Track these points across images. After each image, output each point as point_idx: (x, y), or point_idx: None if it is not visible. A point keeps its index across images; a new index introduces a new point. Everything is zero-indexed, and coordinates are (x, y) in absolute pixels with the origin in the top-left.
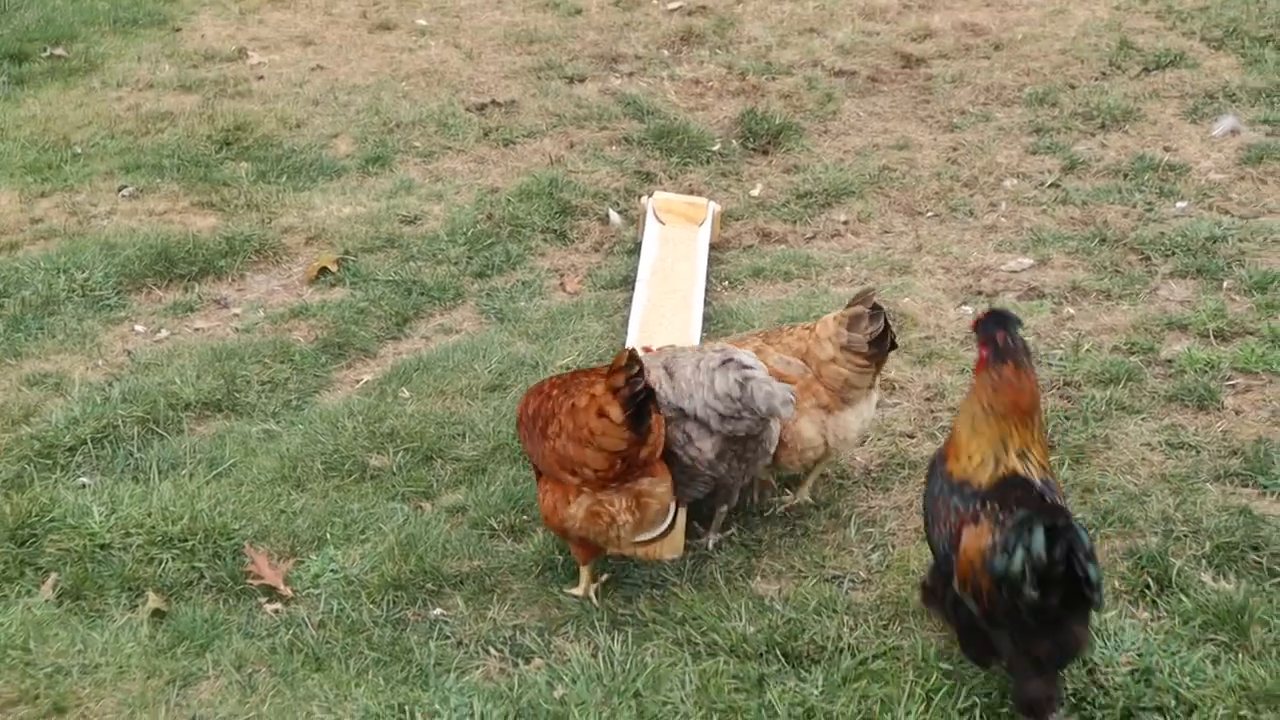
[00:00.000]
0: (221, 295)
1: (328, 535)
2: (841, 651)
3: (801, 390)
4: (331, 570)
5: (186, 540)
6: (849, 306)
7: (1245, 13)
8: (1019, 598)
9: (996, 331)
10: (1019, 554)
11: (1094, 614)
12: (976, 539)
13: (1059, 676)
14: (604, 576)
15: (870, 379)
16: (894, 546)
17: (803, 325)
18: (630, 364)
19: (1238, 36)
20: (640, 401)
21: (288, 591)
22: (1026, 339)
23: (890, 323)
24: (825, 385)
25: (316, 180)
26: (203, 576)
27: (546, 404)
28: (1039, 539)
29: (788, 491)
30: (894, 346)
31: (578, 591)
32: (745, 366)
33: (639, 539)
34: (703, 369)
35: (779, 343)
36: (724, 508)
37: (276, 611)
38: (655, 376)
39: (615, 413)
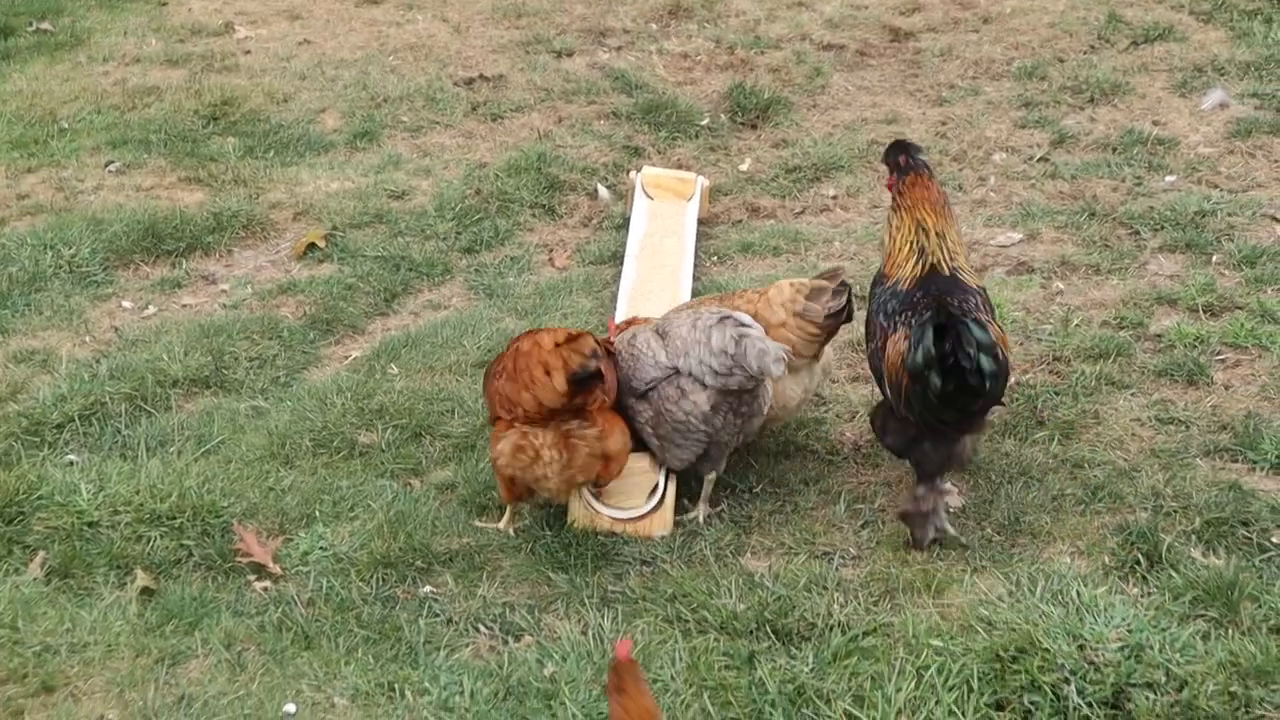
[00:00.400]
0: (209, 271)
1: (316, 512)
2: (832, 628)
3: None
4: (320, 548)
5: (175, 518)
6: (815, 278)
7: None
8: (929, 388)
9: (899, 156)
10: (920, 349)
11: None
12: (896, 346)
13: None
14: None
15: (816, 349)
16: (883, 523)
17: (754, 289)
18: (588, 356)
19: (1226, 9)
20: (585, 379)
21: (277, 569)
22: (928, 159)
23: (853, 300)
24: None
25: (304, 155)
26: (191, 554)
27: (506, 350)
28: (929, 335)
29: (685, 501)
30: (849, 319)
31: (497, 525)
32: (741, 324)
33: (570, 481)
34: (699, 327)
35: (730, 304)
36: (712, 474)
37: (265, 589)
38: (644, 340)
39: (559, 380)
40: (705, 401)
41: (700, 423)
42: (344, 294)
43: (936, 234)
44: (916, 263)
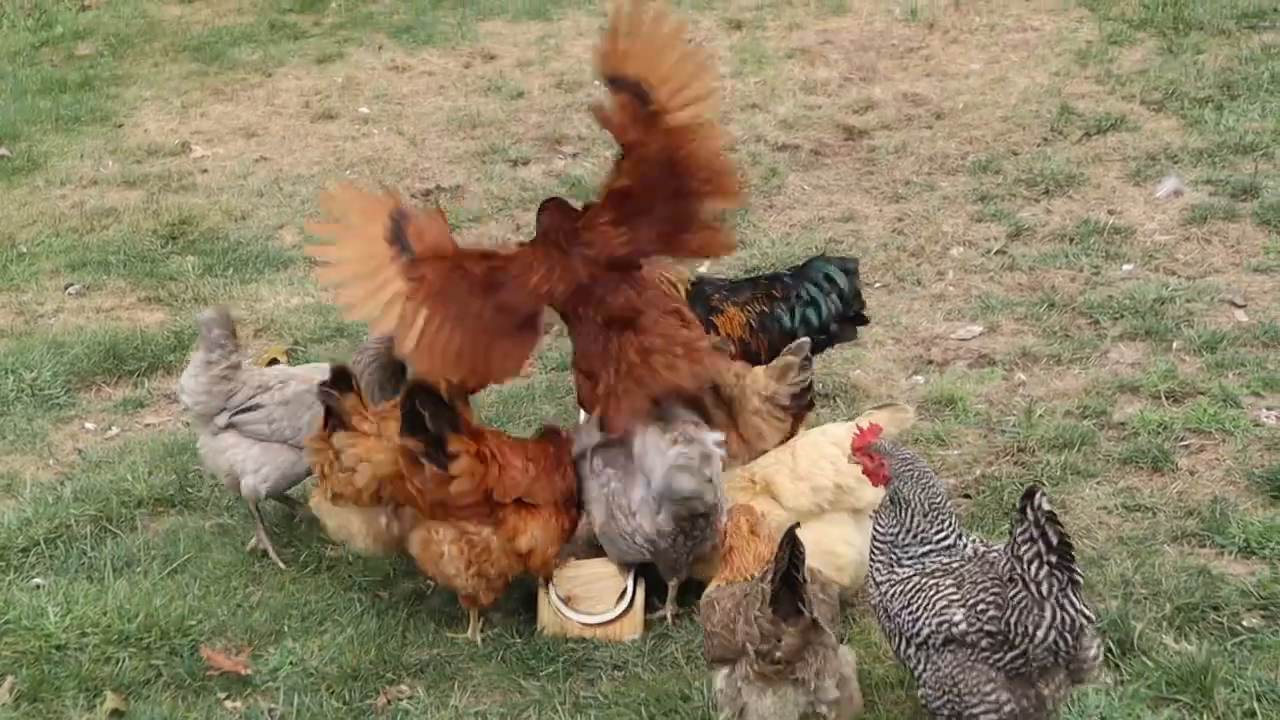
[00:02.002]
0: (171, 390)
1: (285, 628)
2: None
3: None
4: (291, 663)
5: (143, 638)
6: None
7: (1184, 74)
8: None
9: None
10: None
11: None
12: None
13: None
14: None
15: (784, 435)
16: (855, 619)
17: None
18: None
19: (1177, 98)
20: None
21: (250, 670)
22: None
23: (813, 382)
24: (742, 435)
25: (263, 272)
26: (160, 674)
27: None
28: None
29: (655, 600)
30: (811, 406)
31: (466, 634)
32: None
33: (484, 581)
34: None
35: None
36: (674, 581)
37: (235, 708)
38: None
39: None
40: (651, 526)
41: (644, 542)
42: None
43: None
44: None
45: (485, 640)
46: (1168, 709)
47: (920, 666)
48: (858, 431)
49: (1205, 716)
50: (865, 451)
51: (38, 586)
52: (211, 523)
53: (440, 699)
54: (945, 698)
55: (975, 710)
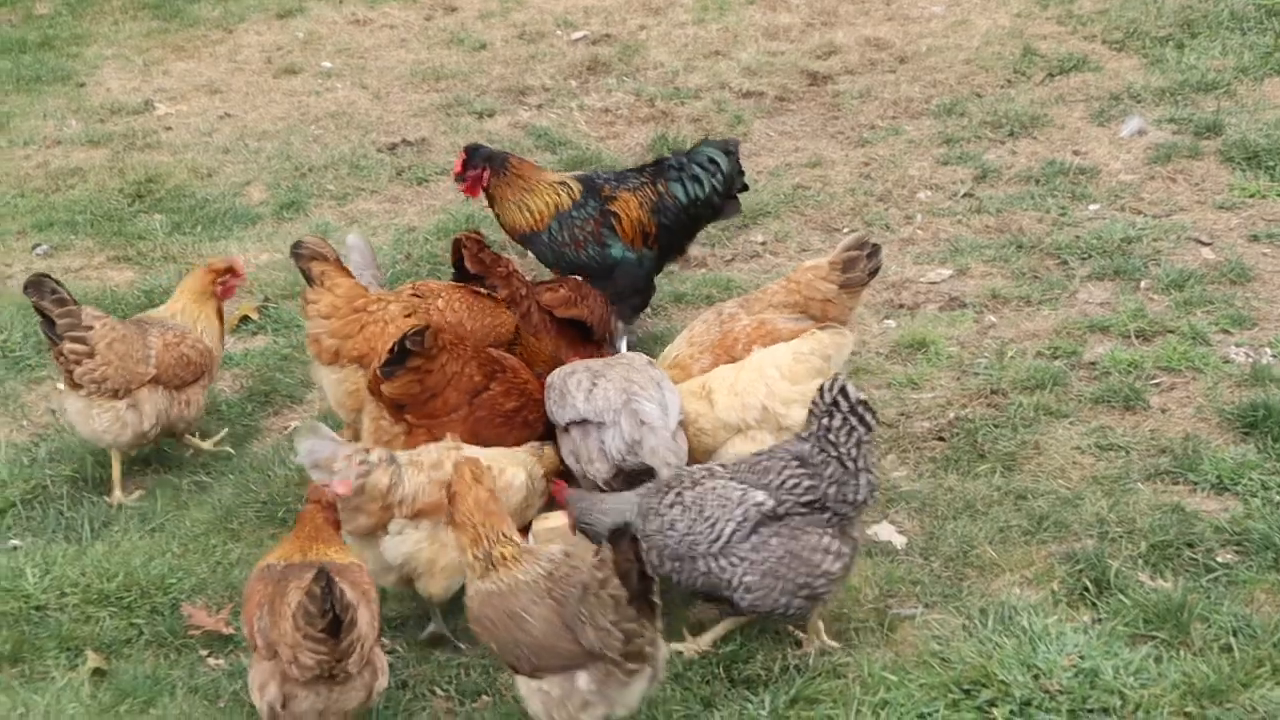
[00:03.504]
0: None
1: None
2: (786, 671)
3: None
4: None
5: (123, 597)
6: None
7: (1144, 13)
8: None
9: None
10: None
11: None
12: None
13: None
14: None
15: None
16: None
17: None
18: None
19: (1138, 37)
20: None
21: (231, 628)
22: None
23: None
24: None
25: (232, 229)
26: (141, 633)
27: None
28: None
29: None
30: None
31: None
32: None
33: None
34: (612, 402)
35: (765, 306)
36: None
37: (218, 665)
38: (577, 380)
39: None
40: (606, 472)
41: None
42: (280, 365)
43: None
44: None
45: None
46: (1145, 645)
47: (732, 569)
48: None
49: (1182, 652)
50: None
51: (15, 548)
52: (188, 480)
53: (422, 652)
54: (791, 571)
55: (825, 565)
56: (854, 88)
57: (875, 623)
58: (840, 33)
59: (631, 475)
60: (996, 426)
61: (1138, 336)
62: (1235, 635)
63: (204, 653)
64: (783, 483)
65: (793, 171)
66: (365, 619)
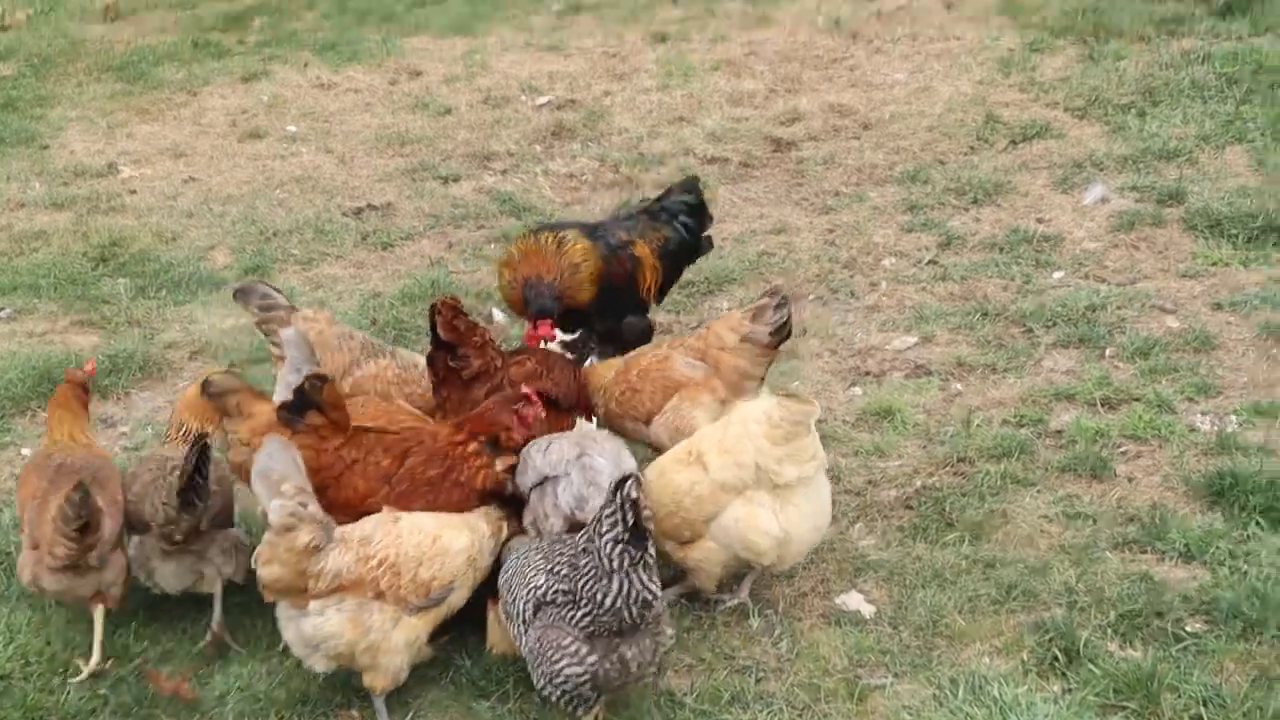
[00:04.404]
0: (108, 414)
1: (232, 652)
2: None
3: (698, 386)
4: (238, 688)
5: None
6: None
7: (1106, 81)
8: None
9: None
10: None
11: None
12: None
13: None
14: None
15: (764, 370)
16: (802, 634)
17: (697, 335)
18: None
19: (1100, 105)
20: None
21: (196, 692)
22: None
23: (791, 313)
24: (722, 379)
25: (196, 293)
26: (107, 702)
27: None
28: None
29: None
30: (788, 335)
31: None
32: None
33: None
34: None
35: (681, 346)
36: None
37: None
38: (539, 444)
39: None
40: (560, 526)
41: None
42: None
43: None
44: None
45: (436, 660)
46: (1116, 715)
47: (523, 642)
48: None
49: None
50: None
51: None
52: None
53: None
54: (538, 661)
55: (559, 665)
56: (818, 154)
57: (845, 692)
58: (804, 99)
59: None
60: (964, 495)
61: (1103, 404)
62: (1205, 705)
63: None
64: (553, 568)
65: (757, 238)
66: (109, 526)
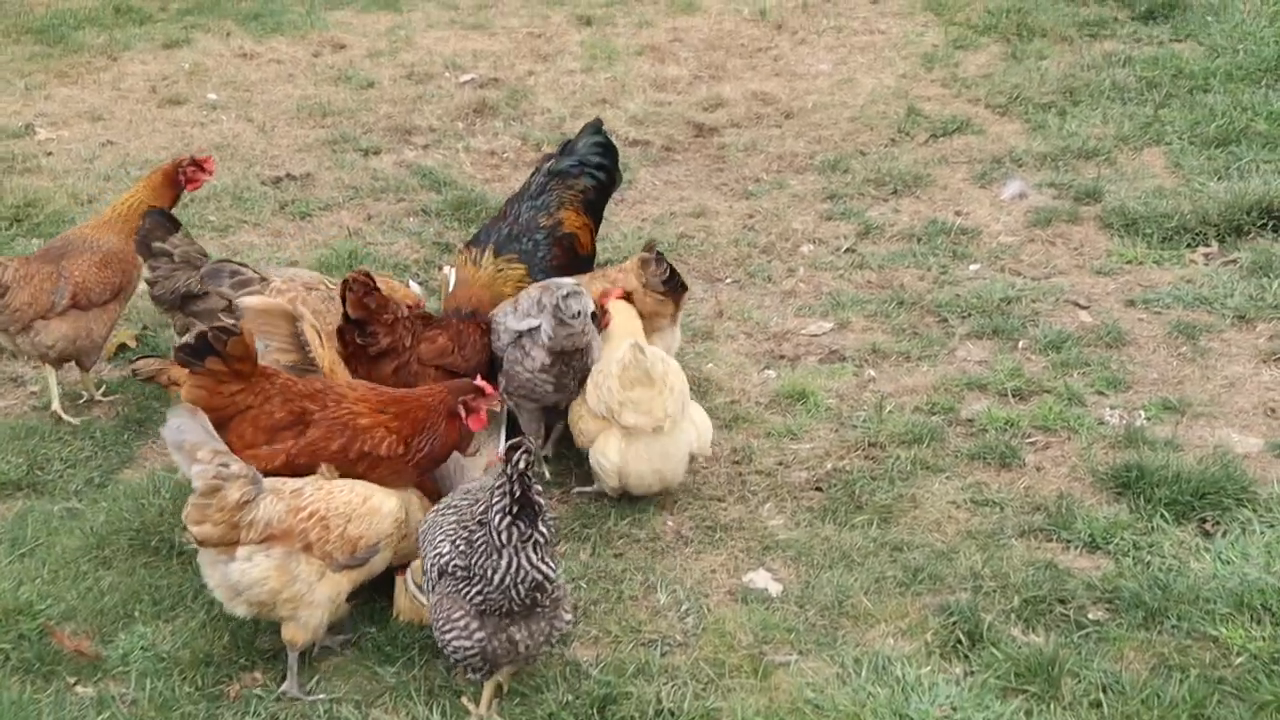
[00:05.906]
0: (18, 373)
1: (137, 612)
2: (660, 715)
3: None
4: (142, 648)
5: None
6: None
7: (1028, 80)
8: None
9: None
10: None
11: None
12: None
13: None
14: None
15: (670, 313)
16: (709, 610)
17: (616, 267)
18: None
19: (1021, 103)
20: None
21: (100, 651)
22: None
23: (672, 268)
24: (641, 311)
25: None
26: (8, 659)
27: None
28: None
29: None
30: (684, 288)
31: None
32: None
33: None
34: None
35: (601, 277)
36: (559, 424)
37: (86, 693)
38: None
39: None
40: (542, 358)
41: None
42: (158, 393)
43: None
44: None
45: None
46: (1016, 699)
47: (429, 599)
48: None
49: (1053, 707)
50: None
51: None
52: (60, 507)
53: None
54: (435, 627)
55: (448, 636)
56: (739, 140)
57: (750, 669)
58: (727, 86)
59: (563, 356)
60: (873, 479)
61: (1014, 395)
62: (1105, 691)
63: (71, 680)
64: (456, 539)
65: (677, 220)
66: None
